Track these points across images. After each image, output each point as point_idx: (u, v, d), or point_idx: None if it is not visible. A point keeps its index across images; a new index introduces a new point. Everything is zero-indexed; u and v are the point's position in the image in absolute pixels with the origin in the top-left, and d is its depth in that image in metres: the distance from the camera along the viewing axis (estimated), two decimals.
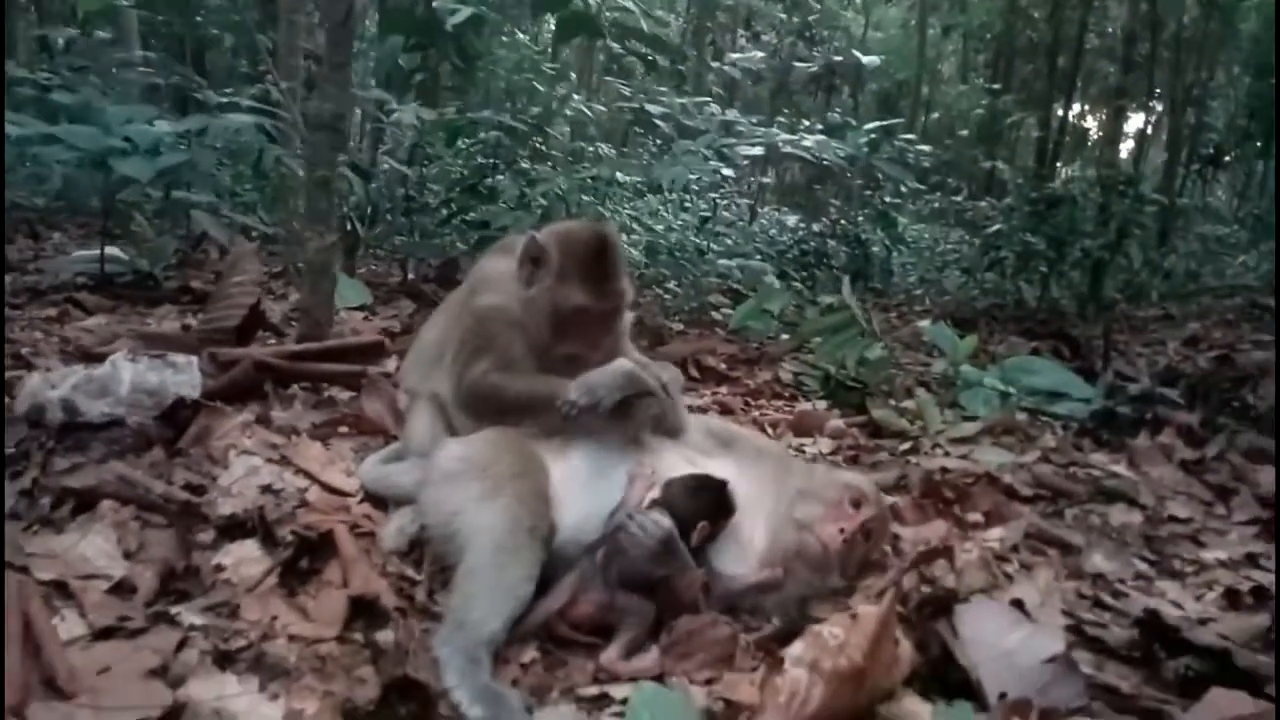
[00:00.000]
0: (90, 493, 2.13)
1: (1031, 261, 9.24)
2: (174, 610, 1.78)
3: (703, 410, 4.22)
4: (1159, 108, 20.79)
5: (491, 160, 6.59)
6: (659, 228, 6.09)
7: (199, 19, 7.31)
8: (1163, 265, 11.36)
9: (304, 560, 2.04)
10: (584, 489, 2.14)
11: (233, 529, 2.14)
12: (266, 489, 2.32)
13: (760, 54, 6.24)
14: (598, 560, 1.96)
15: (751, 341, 5.95)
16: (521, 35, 5.40)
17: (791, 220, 10.04)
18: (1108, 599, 2.32)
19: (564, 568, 1.99)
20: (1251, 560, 2.70)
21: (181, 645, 1.63)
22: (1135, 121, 23.27)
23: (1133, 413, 4.49)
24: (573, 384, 2.24)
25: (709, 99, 6.33)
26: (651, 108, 5.31)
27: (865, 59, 5.93)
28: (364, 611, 1.86)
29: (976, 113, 16.65)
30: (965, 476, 3.24)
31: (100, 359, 2.84)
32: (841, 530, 2.19)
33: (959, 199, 9.70)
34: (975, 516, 2.76)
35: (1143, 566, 2.67)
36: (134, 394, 2.61)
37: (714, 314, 6.29)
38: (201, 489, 2.26)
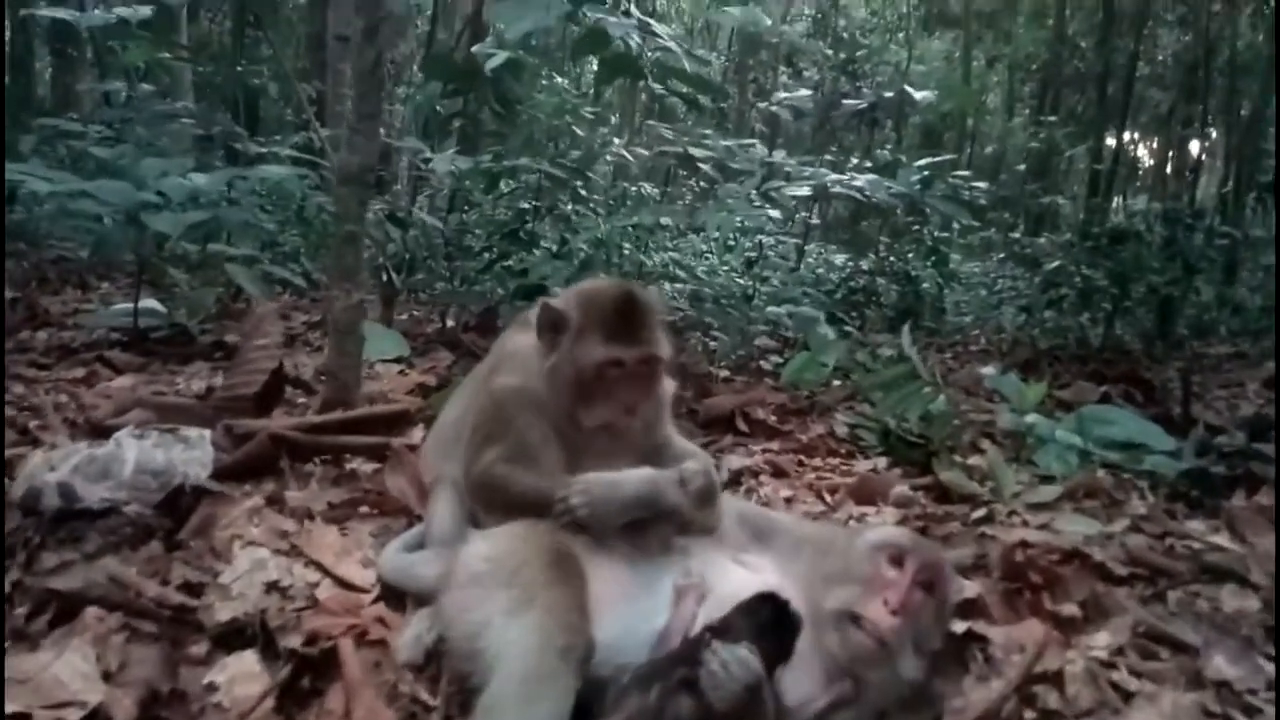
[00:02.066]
0: (75, 597, 1.91)
1: (1094, 298, 8.81)
2: None
3: (755, 473, 3.94)
4: (1214, 135, 20.14)
5: (532, 205, 6.43)
6: (702, 273, 5.84)
7: (240, 69, 7.30)
8: (1233, 300, 10.81)
9: (305, 680, 1.79)
10: (623, 600, 1.86)
11: (230, 638, 1.90)
12: (273, 586, 2.09)
13: (806, 91, 6.05)
14: (651, 700, 1.66)
15: (802, 390, 5.65)
16: (560, 80, 5.24)
17: (839, 259, 9.73)
18: (1240, 717, 1.98)
19: (597, 694, 1.71)
20: None
21: None
22: (1191, 150, 22.63)
23: (1223, 470, 4.09)
24: (574, 483, 1.99)
25: (754, 141, 6.10)
26: (695, 151, 5.10)
27: (918, 95, 5.69)
28: None
29: (1032, 145, 16.19)
30: (1050, 552, 2.90)
31: (109, 433, 2.66)
32: (887, 603, 1.84)
33: (1015, 234, 9.34)
34: (1072, 609, 2.42)
35: (1270, 668, 2.32)
36: (138, 475, 2.41)
37: (762, 362, 6.01)
38: (200, 588, 2.04)
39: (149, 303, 5.71)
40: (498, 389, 2.22)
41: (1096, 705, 1.90)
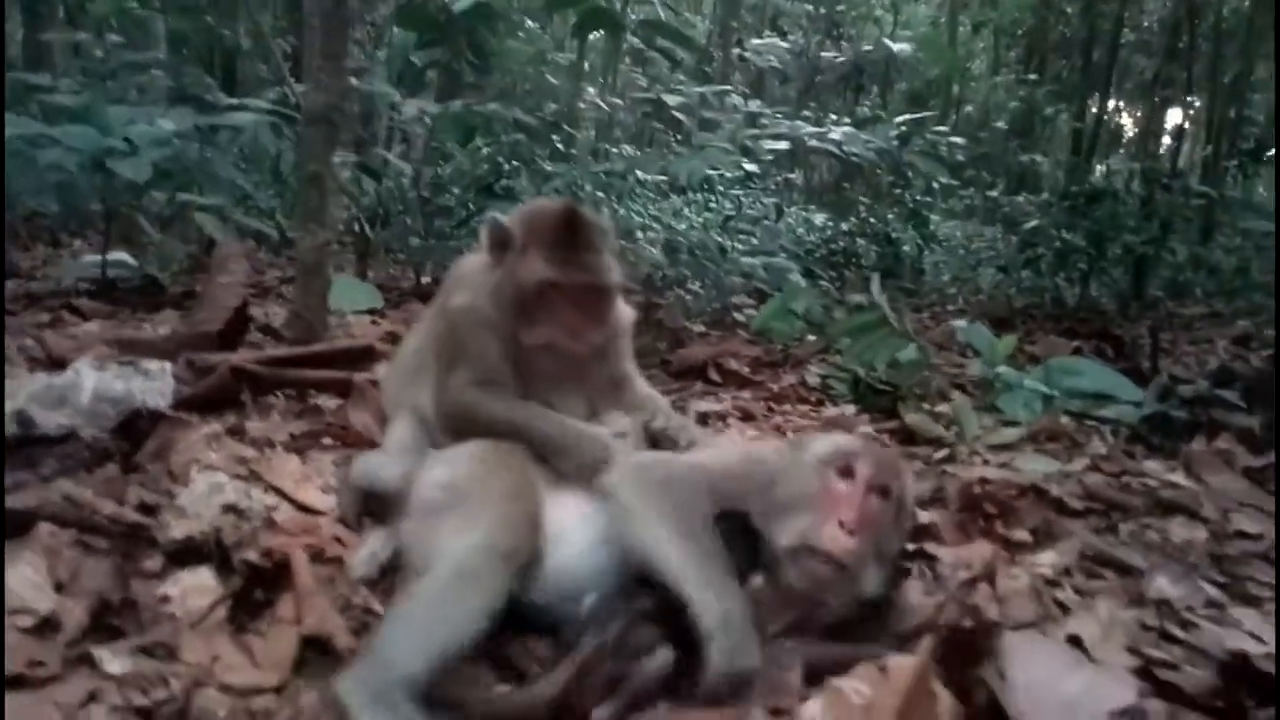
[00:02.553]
0: (28, 515, 1.91)
1: (1070, 258, 8.86)
2: (98, 652, 1.55)
3: (722, 416, 3.97)
4: (1197, 101, 20.17)
5: (509, 159, 6.38)
6: (680, 226, 5.83)
7: (212, 22, 7.18)
8: (1208, 261, 10.90)
9: (258, 591, 1.81)
10: (580, 524, 1.87)
11: (185, 555, 1.91)
12: (229, 508, 2.09)
13: (785, 44, 5.98)
14: (611, 633, 1.61)
15: (776, 344, 5.68)
16: (536, 27, 5.16)
17: (819, 219, 9.73)
18: (1177, 631, 2.03)
19: (553, 618, 1.73)
20: None
21: (90, 699, 1.40)
22: (1173, 115, 22.65)
23: (1188, 416, 4.16)
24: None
25: (730, 89, 6.05)
26: (669, 99, 5.05)
27: (897, 47, 5.63)
28: (316, 651, 1.62)
29: (1012, 105, 16.17)
30: (1008, 488, 2.94)
31: (67, 366, 2.65)
32: (842, 523, 1.77)
33: (993, 194, 9.36)
34: (1022, 535, 2.47)
35: (1213, 591, 2.37)
36: (95, 403, 2.41)
37: (737, 315, 6.02)
38: (155, 509, 2.04)
39: (119, 255, 5.66)
40: (451, 309, 2.21)
41: (1038, 618, 1.95)
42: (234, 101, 6.53)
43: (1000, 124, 14.83)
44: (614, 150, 7.21)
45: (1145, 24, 20.98)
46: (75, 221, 8.50)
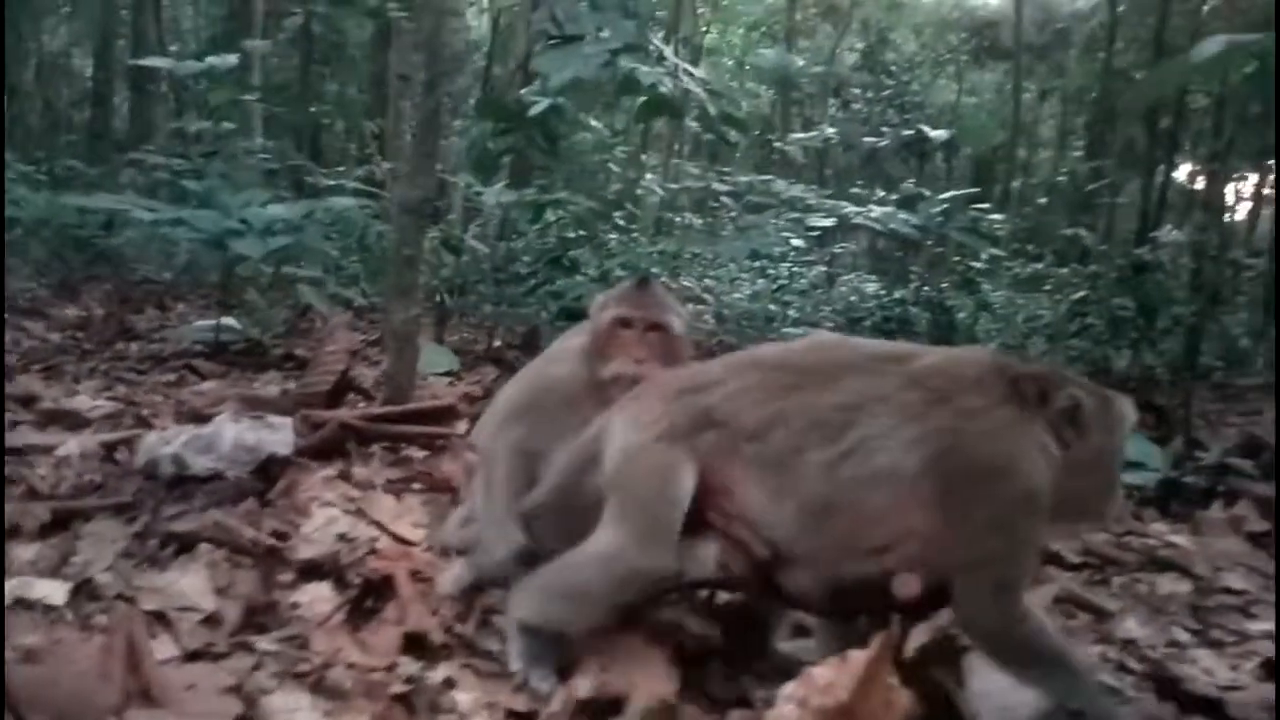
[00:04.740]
0: (191, 537, 2.44)
1: (1121, 328, 9.04)
2: (253, 639, 2.04)
3: None
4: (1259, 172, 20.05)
5: (575, 234, 6.96)
6: (730, 297, 6.31)
7: (312, 109, 8.02)
8: (1266, 333, 10.91)
9: (369, 600, 2.28)
10: None
11: (310, 571, 2.41)
12: (342, 537, 2.60)
13: (830, 130, 6.45)
14: None
15: None
16: (595, 123, 5.76)
17: (872, 287, 10.10)
18: (1134, 664, 2.36)
19: None
20: None
21: (255, 668, 1.89)
22: (1240, 186, 22.48)
23: (1204, 483, 4.41)
24: None
25: (772, 177, 6.58)
26: (718, 185, 5.58)
27: (933, 133, 6.06)
28: (415, 645, 2.08)
29: (1058, 179, 16.42)
30: None
31: (208, 420, 3.22)
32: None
33: (1040, 266, 9.64)
34: None
35: (1183, 636, 2.68)
36: (234, 450, 2.96)
37: None
38: (286, 535, 2.56)
39: (226, 320, 6.36)
40: (544, 374, 2.60)
41: None
42: (329, 183, 7.31)
43: (1043, 199, 15.01)
44: (681, 221, 7.77)
45: (1211, 92, 21.06)
46: (180, 287, 9.39)
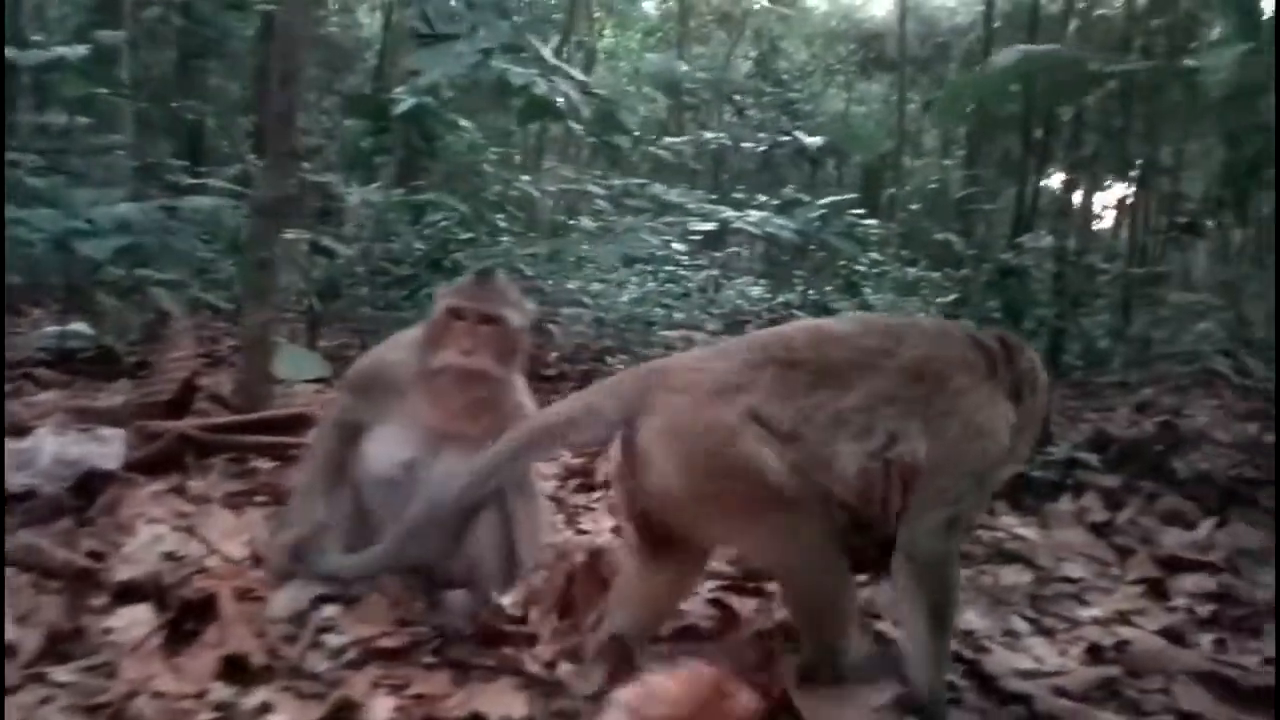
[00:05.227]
0: None
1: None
2: (51, 671, 1.89)
3: None
4: (1126, 179, 21.34)
5: (455, 236, 6.83)
6: (613, 300, 6.30)
7: (176, 105, 7.63)
8: (1123, 333, 11.59)
9: (189, 623, 2.15)
10: None
11: (128, 594, 2.26)
12: (169, 555, 2.45)
13: (709, 135, 6.51)
14: None
15: None
16: (465, 124, 5.65)
17: (756, 291, 10.29)
18: (968, 654, 2.43)
19: None
20: (1123, 617, 2.82)
21: (45, 701, 1.75)
22: (1108, 194, 23.88)
23: (1053, 477, 4.63)
24: None
25: (648, 181, 6.62)
26: (593, 189, 5.57)
27: (808, 139, 6.18)
28: (235, 669, 1.97)
29: (931, 186, 17.15)
30: None
31: (29, 433, 2.99)
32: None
33: (913, 270, 10.01)
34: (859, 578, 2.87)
35: (1021, 625, 2.79)
36: (54, 466, 2.76)
37: None
38: (104, 556, 2.39)
39: (78, 326, 5.97)
40: (379, 359, 2.59)
41: None
42: (195, 182, 6.96)
43: (915, 205, 15.65)
44: (561, 233, 7.71)
45: (1085, 103, 22.28)
46: (36, 293, 8.80)
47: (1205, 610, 2.91)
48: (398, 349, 2.56)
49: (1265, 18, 4.13)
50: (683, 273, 8.63)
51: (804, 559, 2.08)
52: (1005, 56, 2.04)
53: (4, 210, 4.80)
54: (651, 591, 2.20)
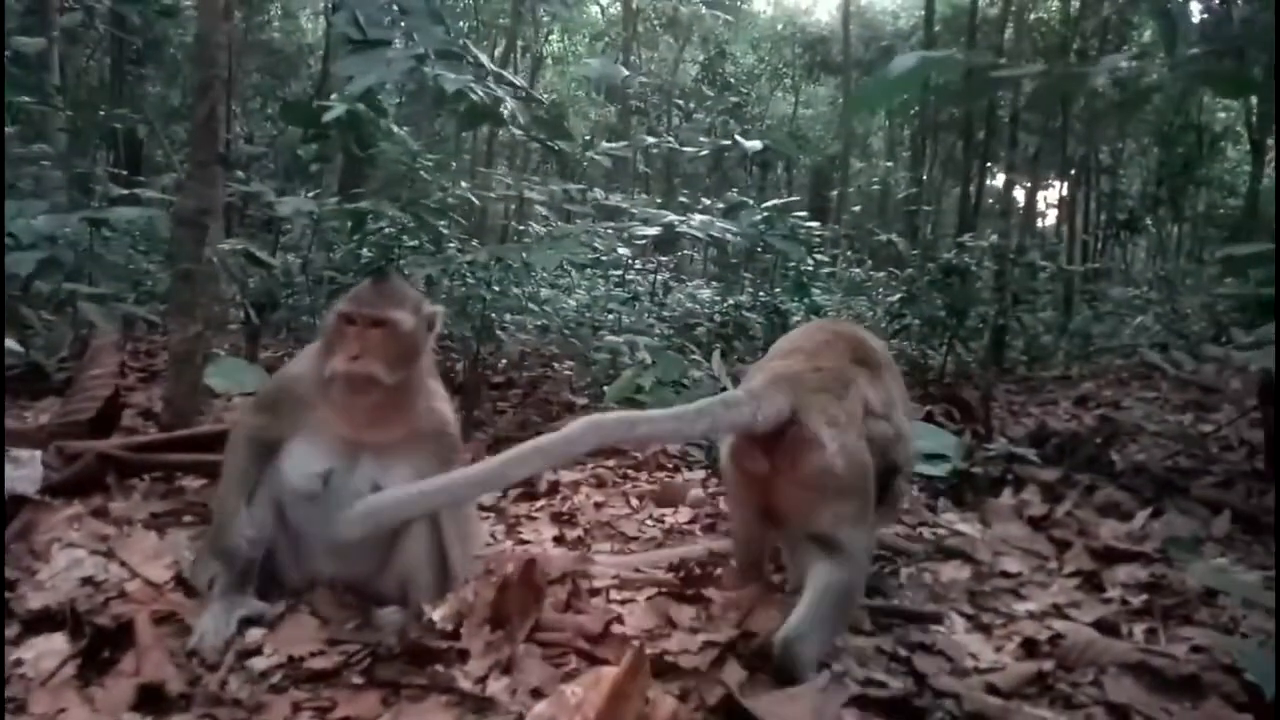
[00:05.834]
0: None
1: (936, 328, 9.61)
2: None
3: (577, 484, 4.32)
4: (1066, 179, 21.89)
5: (394, 244, 6.73)
6: (557, 305, 6.25)
7: (103, 113, 7.42)
8: (1065, 329, 11.87)
9: (105, 651, 2.07)
10: None
11: (41, 623, 2.16)
12: (87, 581, 2.36)
13: (652, 140, 6.52)
14: None
15: None
16: (399, 130, 5.56)
17: (706, 294, 10.31)
18: (902, 652, 2.44)
19: None
20: (1058, 610, 2.86)
21: None
22: (1047, 193, 24.47)
23: (993, 472, 4.70)
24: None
25: (586, 186, 6.60)
26: (531, 194, 5.52)
27: (748, 143, 6.22)
28: (151, 698, 1.90)
29: (874, 188, 17.42)
30: None
31: None
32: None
33: (858, 270, 10.12)
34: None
35: (959, 621, 2.81)
36: None
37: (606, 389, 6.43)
38: (14, 584, 2.29)
39: (6, 343, 5.76)
40: (286, 373, 2.56)
41: None
42: (125, 192, 6.78)
43: (856, 207, 15.86)
44: (515, 238, 7.64)
45: (1022, 103, 22.80)
46: None
47: (1138, 600, 2.95)
48: (302, 361, 2.53)
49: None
50: (630, 277, 8.61)
51: (869, 547, 2.50)
52: (902, 62, 2.04)
53: (3, 216, 4.63)
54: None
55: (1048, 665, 2.36)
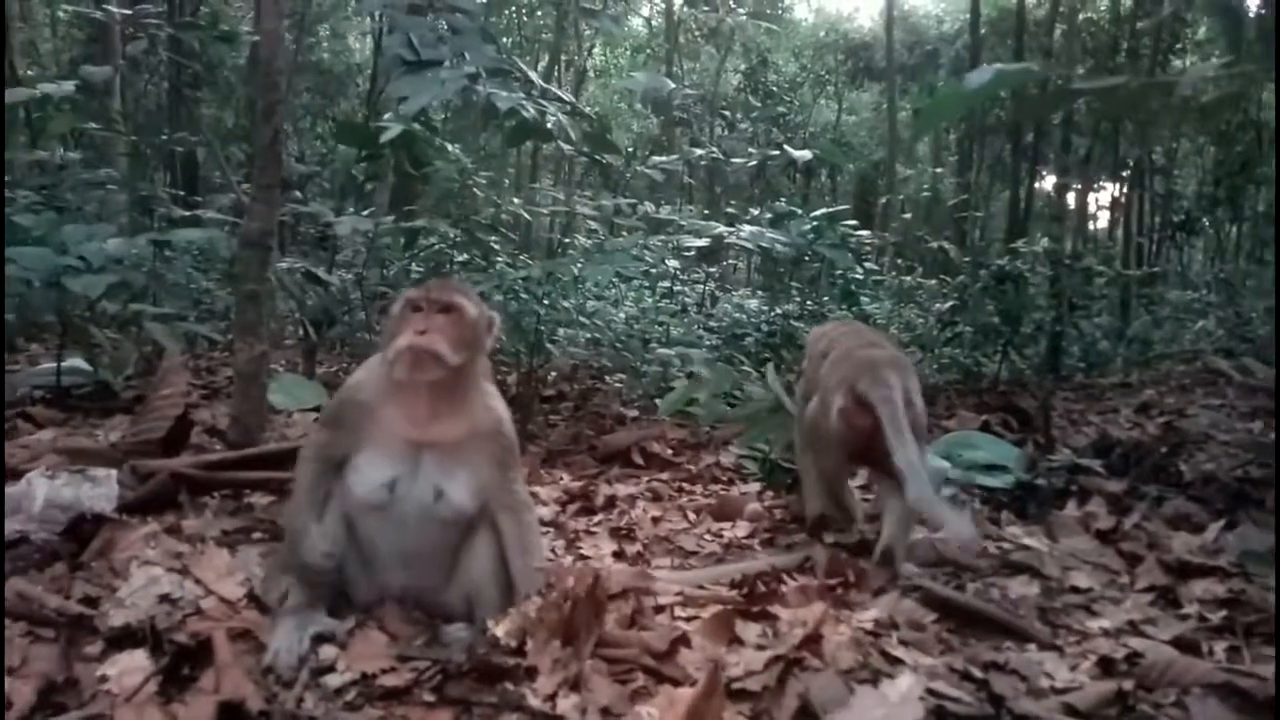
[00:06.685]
0: None
1: (989, 336, 9.45)
2: None
3: (633, 498, 4.32)
4: (1121, 182, 21.42)
5: (446, 260, 6.82)
6: (599, 320, 6.29)
7: (165, 136, 7.63)
8: (1123, 334, 11.59)
9: (185, 668, 2.12)
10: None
11: (123, 640, 2.21)
12: (164, 598, 2.41)
13: (699, 152, 6.51)
14: None
15: (703, 426, 6.07)
16: (452, 148, 5.63)
17: (753, 304, 10.27)
18: (978, 674, 2.39)
19: None
20: (1134, 627, 2.78)
21: None
22: (1100, 197, 23.96)
23: (1056, 483, 4.59)
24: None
25: (637, 200, 6.62)
26: (581, 209, 5.56)
27: (796, 153, 6.18)
28: (231, 716, 1.93)
29: (924, 195, 17.20)
30: (865, 556, 3.34)
31: (23, 475, 2.95)
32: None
33: (909, 279, 10.01)
34: (862, 596, 2.84)
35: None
36: (47, 510, 2.72)
37: (658, 401, 6.43)
38: (97, 601, 2.35)
39: (75, 362, 5.94)
40: (350, 385, 2.58)
41: (856, 666, 2.31)
42: (186, 214, 6.96)
43: (906, 214, 15.66)
44: (560, 253, 7.68)
45: (1076, 106, 22.39)
46: (32, 329, 8.78)
47: (1217, 617, 2.86)
48: (362, 371, 2.59)
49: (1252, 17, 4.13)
50: (678, 289, 8.61)
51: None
52: (979, 76, 2.00)
53: (3, 223, 4.79)
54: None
55: (1127, 685, 2.30)
